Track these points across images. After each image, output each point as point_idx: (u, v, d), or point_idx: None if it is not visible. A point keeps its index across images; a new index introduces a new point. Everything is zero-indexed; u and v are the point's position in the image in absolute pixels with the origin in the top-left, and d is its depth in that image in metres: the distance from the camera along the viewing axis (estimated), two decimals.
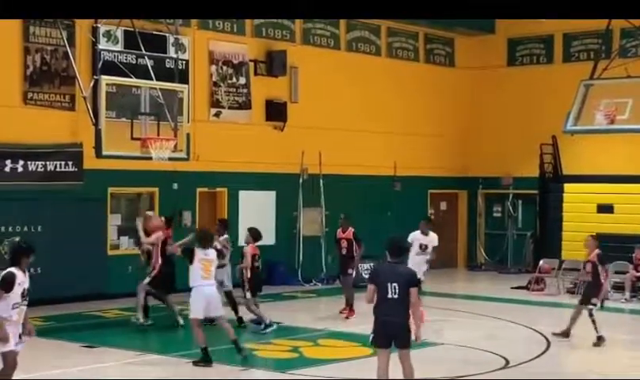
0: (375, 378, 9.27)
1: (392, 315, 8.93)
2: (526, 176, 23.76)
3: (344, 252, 15.87)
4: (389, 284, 8.93)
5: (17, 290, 8.65)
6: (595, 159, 22.83)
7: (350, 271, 15.72)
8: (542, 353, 12.86)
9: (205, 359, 11.39)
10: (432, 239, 15.15)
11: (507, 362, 11.94)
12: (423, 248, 14.98)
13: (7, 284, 8.62)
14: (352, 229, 15.96)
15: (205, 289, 11.61)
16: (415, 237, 15.02)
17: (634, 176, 21.84)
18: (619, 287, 18.87)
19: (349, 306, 15.52)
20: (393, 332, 9.02)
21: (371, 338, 9.21)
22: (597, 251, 13.62)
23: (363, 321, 14.87)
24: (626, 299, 18.31)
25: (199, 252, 11.74)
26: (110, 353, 12.39)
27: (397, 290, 8.91)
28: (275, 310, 15.14)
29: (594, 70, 19.27)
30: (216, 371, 11.38)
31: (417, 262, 14.42)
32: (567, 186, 22.89)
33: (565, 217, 22.61)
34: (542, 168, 23.50)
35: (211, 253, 11.89)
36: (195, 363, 11.43)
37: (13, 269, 8.73)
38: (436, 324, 14.56)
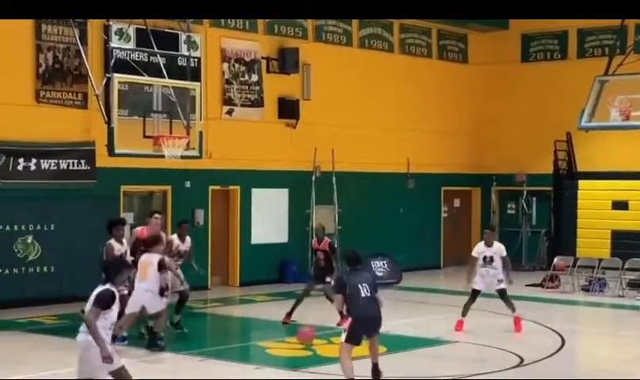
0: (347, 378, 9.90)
1: (372, 311, 10.05)
2: (540, 172, 23.65)
3: (321, 264, 15.06)
4: (360, 285, 9.97)
5: (115, 310, 8.06)
6: (609, 155, 22.70)
7: (328, 279, 14.82)
8: (557, 351, 12.80)
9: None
10: (497, 250, 14.28)
11: (521, 360, 11.88)
12: (488, 260, 14.19)
13: (104, 302, 7.89)
14: (328, 240, 15.18)
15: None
16: (479, 250, 14.36)
17: None
18: (634, 285, 18.74)
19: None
20: (373, 326, 10.12)
21: (346, 336, 9.96)
22: None
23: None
24: None
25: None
26: (122, 352, 12.36)
27: (368, 289, 10.01)
28: (287, 308, 15.07)
29: (609, 66, 19.16)
30: (229, 369, 11.39)
31: (481, 274, 14.16)
32: (582, 183, 22.77)
33: (580, 214, 22.50)
34: (557, 164, 23.39)
35: (152, 256, 12.01)
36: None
37: (109, 287, 8.04)
38: (450, 322, 14.48)
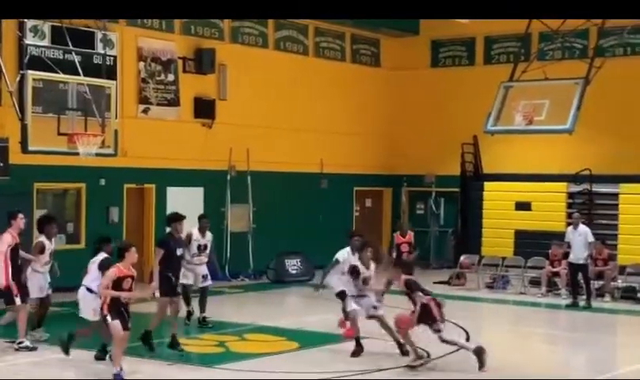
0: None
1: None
2: (448, 174, 24.35)
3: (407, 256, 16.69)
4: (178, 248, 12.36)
5: None
6: (513, 158, 23.54)
7: None
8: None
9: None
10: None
11: (428, 355, 12.27)
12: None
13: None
14: (412, 233, 17.03)
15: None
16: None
17: (551, 174, 22.58)
18: (535, 282, 19.55)
19: None
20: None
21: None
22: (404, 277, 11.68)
23: (290, 316, 15.18)
24: (542, 294, 18.97)
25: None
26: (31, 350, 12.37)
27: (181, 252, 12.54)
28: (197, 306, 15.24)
29: (513, 73, 19.73)
30: (142, 366, 11.42)
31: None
32: (487, 184, 23.51)
33: (485, 214, 23.22)
34: (464, 166, 24.07)
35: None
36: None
37: None
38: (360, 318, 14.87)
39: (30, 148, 15.07)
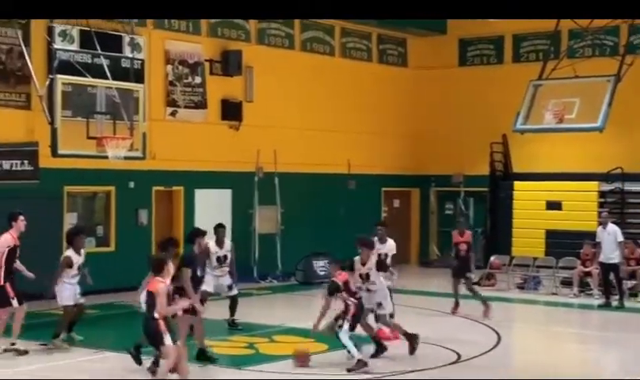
0: None
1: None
2: (477, 174, 24.20)
3: (465, 255, 16.28)
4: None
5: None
6: (544, 157, 23.35)
7: (469, 274, 16.29)
8: (493, 347, 13.17)
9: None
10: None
11: (459, 356, 12.22)
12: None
13: None
14: (471, 232, 16.87)
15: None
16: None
17: (582, 173, 22.35)
18: (567, 283, 19.36)
19: None
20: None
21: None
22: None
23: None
24: (574, 294, 18.80)
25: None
26: (63, 351, 12.45)
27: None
28: (227, 308, 15.26)
29: (543, 71, 19.62)
30: None
31: None
32: (517, 184, 23.35)
33: (515, 214, 23.04)
34: (493, 166, 23.95)
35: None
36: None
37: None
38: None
39: (60, 152, 15.24)
